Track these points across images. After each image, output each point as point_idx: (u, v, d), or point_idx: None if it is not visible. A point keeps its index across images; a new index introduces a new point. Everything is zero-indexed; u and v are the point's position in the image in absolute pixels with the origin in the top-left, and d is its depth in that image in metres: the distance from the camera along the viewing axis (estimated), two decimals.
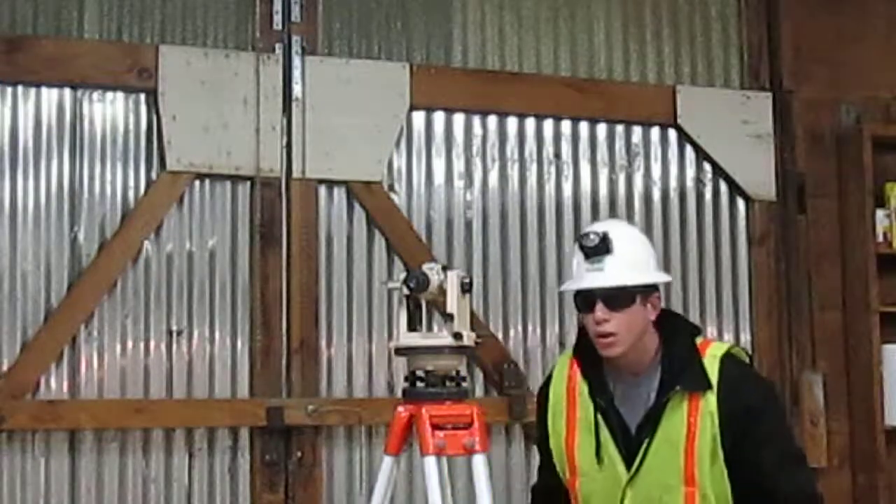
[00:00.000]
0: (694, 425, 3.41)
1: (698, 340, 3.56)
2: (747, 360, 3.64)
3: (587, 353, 3.58)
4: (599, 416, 3.51)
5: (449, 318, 3.72)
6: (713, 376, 3.44)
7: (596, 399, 3.53)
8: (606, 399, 3.52)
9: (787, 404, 5.81)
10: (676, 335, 3.55)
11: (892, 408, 5.91)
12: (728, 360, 3.49)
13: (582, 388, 3.58)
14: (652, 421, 3.45)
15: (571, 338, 5.56)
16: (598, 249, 3.46)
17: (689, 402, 3.44)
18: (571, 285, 3.55)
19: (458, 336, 3.68)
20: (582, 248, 3.49)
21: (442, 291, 3.73)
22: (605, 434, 3.51)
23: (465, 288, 3.75)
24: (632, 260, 3.49)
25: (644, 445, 3.45)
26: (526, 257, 5.65)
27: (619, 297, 3.44)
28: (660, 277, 3.62)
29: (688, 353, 3.50)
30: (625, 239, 3.52)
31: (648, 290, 3.50)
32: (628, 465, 3.47)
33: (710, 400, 3.42)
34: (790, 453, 3.52)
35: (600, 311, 3.44)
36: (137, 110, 5.19)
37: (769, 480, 3.42)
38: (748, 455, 3.41)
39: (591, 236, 3.47)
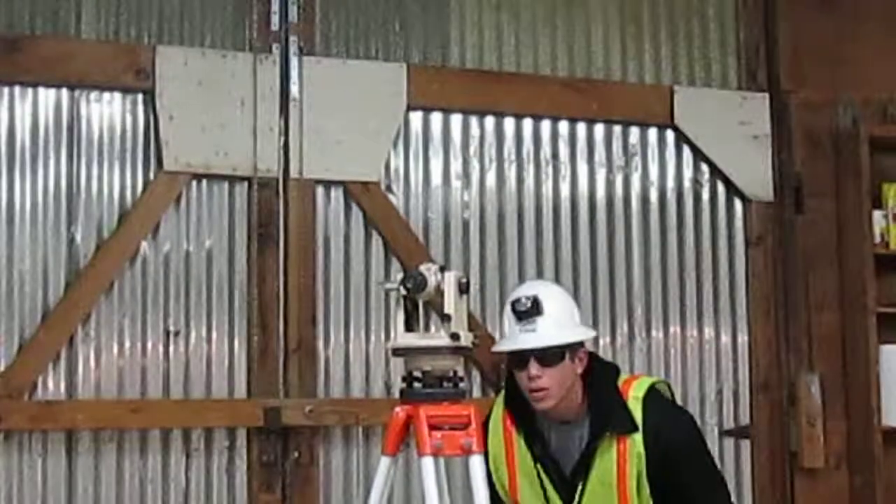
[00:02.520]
0: (624, 465, 3.72)
1: (620, 381, 3.85)
2: (668, 392, 3.98)
3: (519, 405, 3.87)
4: (538, 465, 3.82)
5: (446, 318, 3.71)
6: (637, 418, 3.74)
7: (532, 449, 3.83)
8: (541, 448, 3.83)
9: (784, 403, 5.83)
10: (600, 381, 3.83)
11: (890, 408, 5.92)
12: (649, 399, 3.79)
13: (518, 438, 3.88)
14: (584, 465, 3.76)
15: None
16: (530, 312, 3.73)
17: (617, 443, 3.74)
18: (506, 345, 3.81)
19: (455, 336, 3.68)
20: (514, 311, 3.76)
21: (439, 292, 3.73)
22: (545, 480, 3.81)
23: (463, 288, 3.75)
24: (560, 320, 3.78)
25: (580, 488, 3.75)
26: (523, 258, 5.65)
27: (550, 355, 3.72)
28: (586, 334, 3.93)
29: (612, 397, 3.79)
30: (553, 300, 3.81)
31: (576, 346, 3.80)
32: None
33: (637, 440, 3.72)
34: (710, 479, 3.88)
35: (533, 368, 3.72)
36: (135, 110, 5.19)
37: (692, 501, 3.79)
38: (674, 483, 3.74)
39: (523, 300, 3.75)
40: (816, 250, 6.02)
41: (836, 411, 5.96)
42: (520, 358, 3.76)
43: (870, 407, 5.86)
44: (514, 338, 3.78)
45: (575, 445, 3.80)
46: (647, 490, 3.75)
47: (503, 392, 3.98)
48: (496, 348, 3.95)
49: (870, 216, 6.00)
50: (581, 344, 3.84)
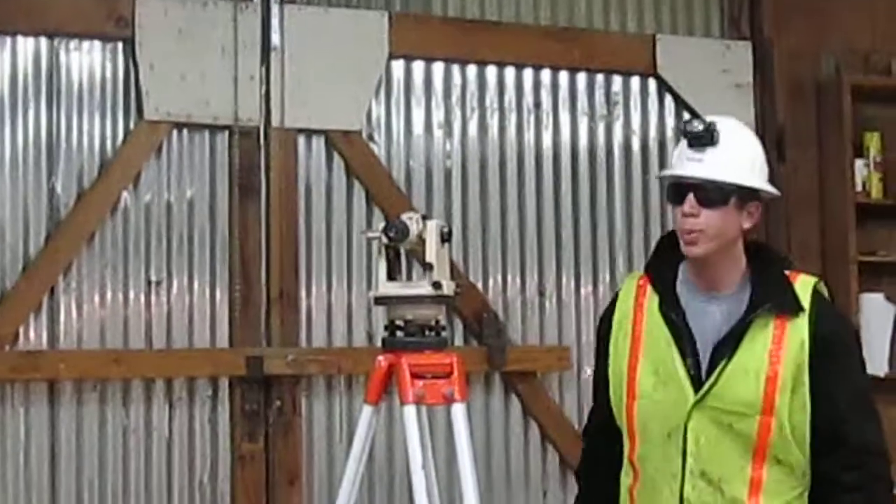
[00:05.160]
0: (778, 351, 3.18)
1: (787, 272, 3.32)
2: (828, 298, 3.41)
3: (660, 269, 3.37)
4: (669, 332, 3.26)
5: (428, 267, 3.73)
6: (805, 301, 3.22)
7: (667, 313, 3.28)
8: (679, 314, 3.27)
9: None
10: (768, 258, 3.35)
11: (870, 356, 5.91)
12: (818, 290, 3.28)
13: (651, 303, 3.33)
14: (734, 340, 3.20)
15: (551, 287, 5.65)
16: (702, 139, 3.23)
17: (775, 325, 3.21)
18: (667, 171, 3.39)
19: (437, 285, 3.69)
20: (686, 133, 3.26)
21: (421, 241, 3.73)
22: (673, 352, 3.24)
23: (445, 237, 3.76)
24: (736, 157, 3.25)
25: (720, 367, 3.18)
26: (505, 207, 5.65)
27: (712, 192, 3.20)
28: (763, 185, 3.31)
29: (779, 277, 3.28)
30: (734, 134, 3.29)
31: (747, 194, 3.24)
32: (696, 388, 3.20)
33: (802, 325, 3.20)
34: (866, 398, 3.33)
35: (689, 204, 3.21)
36: (115, 59, 5.16)
37: (841, 422, 3.21)
38: (829, 387, 3.19)
39: (696, 123, 3.25)
40: (798, 199, 6.02)
41: None
42: (677, 190, 3.25)
43: None
44: (679, 164, 3.29)
45: (715, 322, 3.25)
46: (804, 389, 3.17)
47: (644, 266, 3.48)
48: (659, 174, 3.61)
49: (851, 165, 6.01)
50: (756, 196, 3.28)
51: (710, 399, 3.18)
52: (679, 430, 3.21)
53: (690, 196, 3.20)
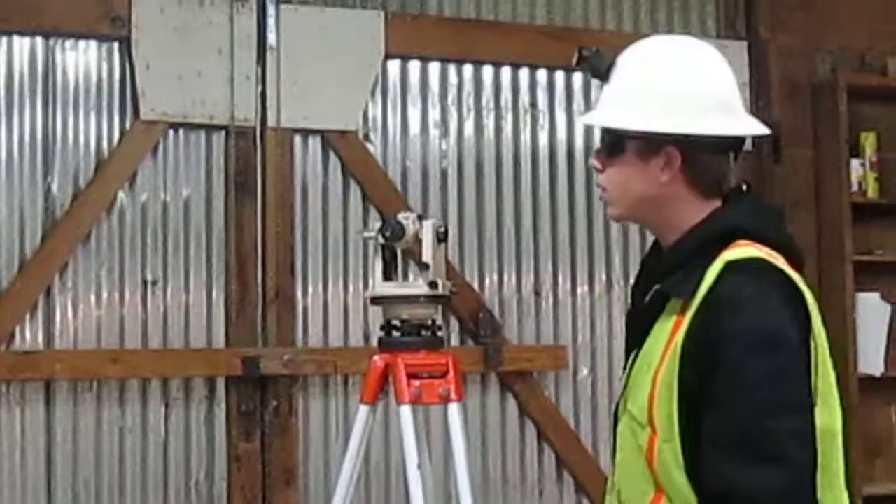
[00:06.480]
0: (669, 345, 2.35)
1: (743, 242, 2.40)
2: (783, 272, 2.46)
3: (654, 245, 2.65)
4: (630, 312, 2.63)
5: (424, 267, 3.73)
6: (704, 286, 2.33)
7: (634, 291, 2.59)
8: (638, 293, 2.55)
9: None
10: (714, 219, 2.45)
11: (866, 355, 5.96)
12: (735, 267, 2.34)
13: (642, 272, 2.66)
14: (647, 323, 2.45)
15: (548, 286, 5.66)
16: (595, 71, 2.52)
17: (679, 312, 2.37)
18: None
19: (433, 285, 3.70)
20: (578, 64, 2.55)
21: (417, 241, 3.74)
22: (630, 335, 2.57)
23: (441, 237, 3.76)
24: (627, 91, 2.47)
25: (632, 359, 2.50)
26: (501, 206, 5.65)
27: (606, 143, 2.52)
28: (664, 124, 2.40)
29: (701, 245, 2.41)
30: (629, 61, 2.50)
31: (651, 138, 2.42)
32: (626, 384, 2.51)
33: (688, 317, 2.34)
34: (746, 432, 2.23)
35: (594, 156, 2.57)
36: (111, 59, 5.16)
37: (701, 461, 2.26)
38: (698, 410, 2.28)
39: (585, 52, 2.53)
40: (794, 199, 6.02)
41: None
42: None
43: (846, 354, 5.88)
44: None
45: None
46: (675, 405, 2.28)
47: None
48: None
49: (847, 165, 6.02)
50: (670, 139, 2.40)
51: (628, 400, 2.47)
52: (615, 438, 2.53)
53: (596, 150, 2.59)
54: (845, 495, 2.49)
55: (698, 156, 2.44)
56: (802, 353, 2.39)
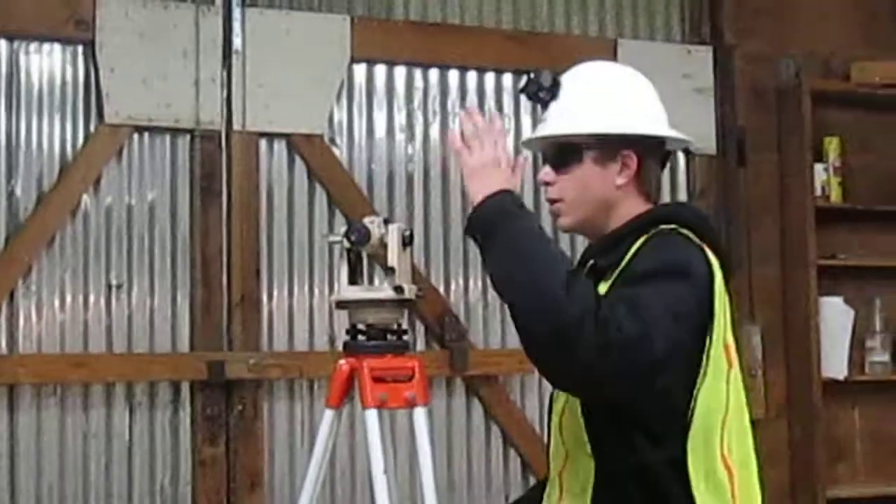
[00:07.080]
0: None
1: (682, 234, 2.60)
2: (699, 238, 2.61)
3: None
4: None
5: (390, 271, 3.72)
6: (628, 255, 2.57)
7: None
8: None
9: None
10: (652, 210, 2.69)
11: (829, 360, 5.99)
12: (654, 235, 2.59)
13: None
14: None
15: None
16: (541, 96, 2.77)
17: (609, 283, 2.58)
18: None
19: (399, 289, 3.69)
20: (526, 94, 2.82)
21: (383, 244, 3.73)
22: None
23: (406, 241, 3.75)
24: (580, 102, 2.71)
25: None
26: (467, 210, 5.61)
27: (559, 153, 2.71)
28: (622, 125, 2.65)
29: (633, 230, 2.63)
30: (577, 78, 2.81)
31: (608, 143, 2.64)
32: None
33: (612, 278, 2.57)
34: (631, 299, 2.41)
35: (543, 171, 2.75)
36: (75, 62, 5.13)
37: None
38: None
39: (530, 79, 2.78)
40: (759, 203, 6.06)
41: (777, 363, 6.02)
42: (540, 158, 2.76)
43: (810, 358, 5.92)
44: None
45: None
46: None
47: None
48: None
49: (811, 169, 6.05)
50: (625, 142, 2.64)
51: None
52: None
53: (545, 164, 2.77)
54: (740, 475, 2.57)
55: (648, 161, 2.69)
56: (702, 291, 2.51)
